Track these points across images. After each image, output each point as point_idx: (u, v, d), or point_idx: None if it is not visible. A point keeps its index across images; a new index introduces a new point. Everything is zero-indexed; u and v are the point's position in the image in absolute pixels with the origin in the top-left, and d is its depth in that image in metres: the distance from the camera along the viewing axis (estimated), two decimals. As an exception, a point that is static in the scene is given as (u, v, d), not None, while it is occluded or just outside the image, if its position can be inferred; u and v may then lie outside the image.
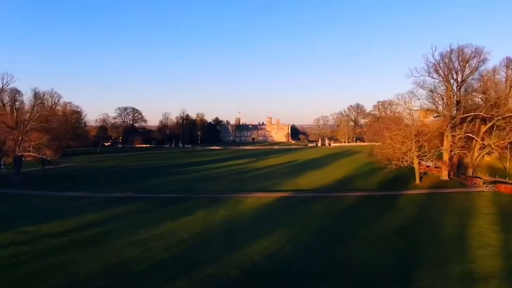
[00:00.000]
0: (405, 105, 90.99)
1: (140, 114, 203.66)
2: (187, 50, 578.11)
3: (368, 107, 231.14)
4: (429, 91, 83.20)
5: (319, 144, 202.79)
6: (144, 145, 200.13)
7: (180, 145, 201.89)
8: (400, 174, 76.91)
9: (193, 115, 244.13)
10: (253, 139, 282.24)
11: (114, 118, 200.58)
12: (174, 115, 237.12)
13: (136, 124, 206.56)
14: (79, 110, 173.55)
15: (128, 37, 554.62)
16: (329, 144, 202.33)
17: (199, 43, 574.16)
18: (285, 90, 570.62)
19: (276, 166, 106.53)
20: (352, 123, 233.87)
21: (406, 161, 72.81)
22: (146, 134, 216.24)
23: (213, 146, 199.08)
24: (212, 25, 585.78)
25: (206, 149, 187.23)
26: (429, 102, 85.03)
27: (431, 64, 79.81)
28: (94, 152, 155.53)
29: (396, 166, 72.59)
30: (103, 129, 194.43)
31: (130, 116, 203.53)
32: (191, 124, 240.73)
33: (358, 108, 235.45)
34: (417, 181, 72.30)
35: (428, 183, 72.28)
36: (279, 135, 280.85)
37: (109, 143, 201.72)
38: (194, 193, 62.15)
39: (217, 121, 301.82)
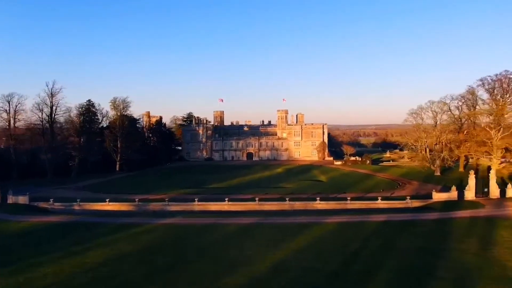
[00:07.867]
0: None
1: None
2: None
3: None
4: None
5: (469, 195, 52.17)
6: None
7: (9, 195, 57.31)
8: None
9: (105, 105, 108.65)
10: (250, 154, 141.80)
11: None
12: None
13: None
14: None
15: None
16: (500, 194, 57.64)
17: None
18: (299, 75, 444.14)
19: None
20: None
21: None
22: None
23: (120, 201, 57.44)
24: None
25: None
26: None
27: None
28: None
29: None
30: None
31: None
32: (100, 128, 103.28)
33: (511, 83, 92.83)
34: None
35: None
36: (305, 148, 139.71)
37: None
38: None
39: (189, 119, 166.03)
